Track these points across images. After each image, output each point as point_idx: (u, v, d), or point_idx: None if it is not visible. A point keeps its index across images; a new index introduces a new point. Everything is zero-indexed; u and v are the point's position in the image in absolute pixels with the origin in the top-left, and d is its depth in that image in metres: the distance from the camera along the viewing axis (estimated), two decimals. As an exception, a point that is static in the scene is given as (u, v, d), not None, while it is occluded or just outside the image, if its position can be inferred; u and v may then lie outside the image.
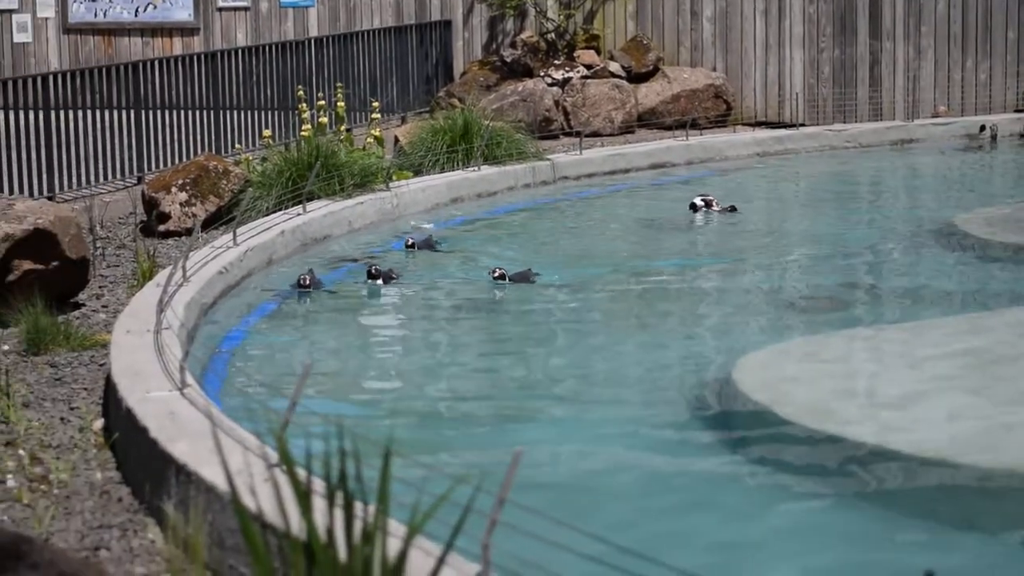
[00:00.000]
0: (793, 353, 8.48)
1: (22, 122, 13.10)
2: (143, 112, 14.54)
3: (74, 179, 13.67)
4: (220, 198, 12.53)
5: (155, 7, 20.88)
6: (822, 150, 17.15)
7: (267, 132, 14.35)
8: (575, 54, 19.22)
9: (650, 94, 18.76)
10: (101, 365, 8.15)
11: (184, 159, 14.39)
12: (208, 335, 8.71)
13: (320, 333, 9.42)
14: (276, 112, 16.30)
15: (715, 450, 6.94)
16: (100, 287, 10.35)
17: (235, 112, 15.83)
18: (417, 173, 13.86)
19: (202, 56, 15.90)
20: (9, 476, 6.42)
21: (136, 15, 20.98)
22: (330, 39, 17.92)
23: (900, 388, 7.51)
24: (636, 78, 18.93)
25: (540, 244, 12.12)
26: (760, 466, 6.70)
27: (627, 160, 15.81)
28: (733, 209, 13.25)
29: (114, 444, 6.73)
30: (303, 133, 13.07)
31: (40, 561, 4.26)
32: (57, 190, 13.36)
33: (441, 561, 4.19)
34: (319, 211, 11.83)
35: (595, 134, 17.99)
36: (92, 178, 13.89)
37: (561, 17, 19.44)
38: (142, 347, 7.39)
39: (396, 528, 4.43)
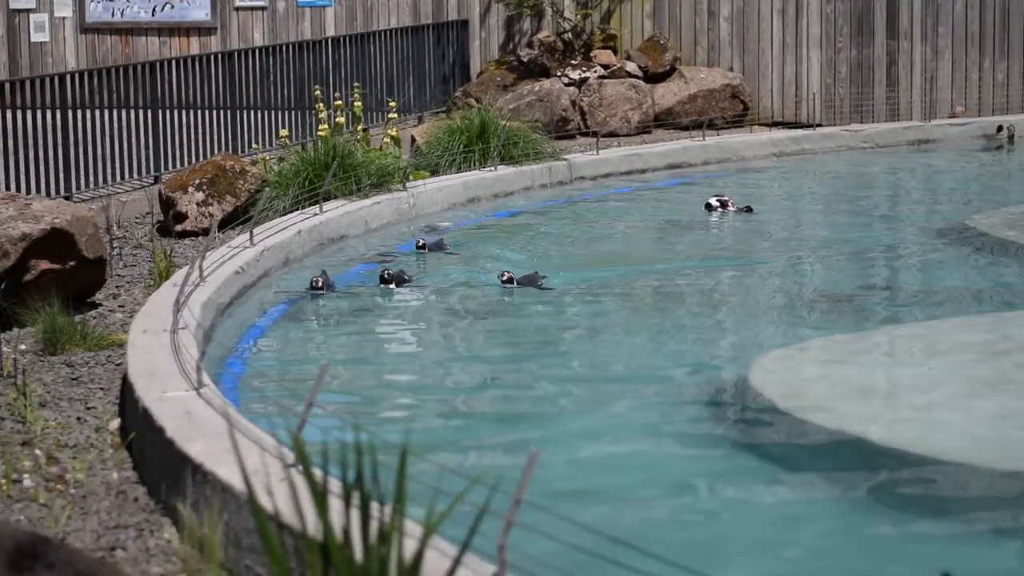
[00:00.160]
0: (810, 353, 8.46)
1: (39, 122, 13.11)
2: (160, 112, 14.55)
3: (91, 179, 13.68)
4: (237, 198, 12.54)
5: (172, 7, 20.91)
6: (839, 150, 17.11)
7: (284, 132, 14.36)
8: (592, 54, 19.20)
9: (667, 94, 18.74)
10: (118, 365, 8.16)
11: (201, 159, 14.40)
12: (225, 335, 8.72)
13: (334, 335, 9.41)
14: (293, 112, 16.31)
15: (732, 450, 6.93)
16: (117, 287, 10.37)
17: (252, 112, 15.84)
18: (434, 173, 13.85)
19: (219, 56, 15.91)
20: (26, 476, 6.43)
21: (153, 14, 21.01)
22: (347, 39, 17.93)
23: (917, 388, 7.49)
24: (653, 78, 18.91)
25: (555, 245, 12.09)
26: (777, 466, 6.69)
27: (644, 160, 15.80)
28: (749, 210, 13.22)
29: (130, 444, 6.74)
30: (320, 133, 13.07)
31: (57, 561, 4.27)
32: (74, 190, 13.37)
33: (457, 562, 4.18)
34: (336, 211, 11.84)
35: (612, 134, 17.98)
36: (109, 178, 13.90)
37: (578, 17, 19.43)
38: (159, 347, 7.39)
39: (412, 528, 4.43)
